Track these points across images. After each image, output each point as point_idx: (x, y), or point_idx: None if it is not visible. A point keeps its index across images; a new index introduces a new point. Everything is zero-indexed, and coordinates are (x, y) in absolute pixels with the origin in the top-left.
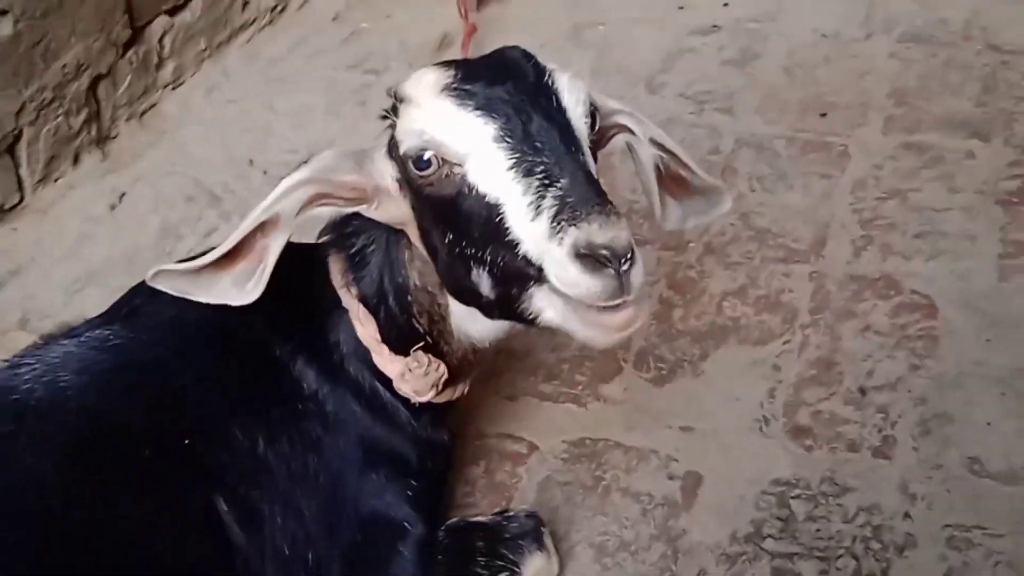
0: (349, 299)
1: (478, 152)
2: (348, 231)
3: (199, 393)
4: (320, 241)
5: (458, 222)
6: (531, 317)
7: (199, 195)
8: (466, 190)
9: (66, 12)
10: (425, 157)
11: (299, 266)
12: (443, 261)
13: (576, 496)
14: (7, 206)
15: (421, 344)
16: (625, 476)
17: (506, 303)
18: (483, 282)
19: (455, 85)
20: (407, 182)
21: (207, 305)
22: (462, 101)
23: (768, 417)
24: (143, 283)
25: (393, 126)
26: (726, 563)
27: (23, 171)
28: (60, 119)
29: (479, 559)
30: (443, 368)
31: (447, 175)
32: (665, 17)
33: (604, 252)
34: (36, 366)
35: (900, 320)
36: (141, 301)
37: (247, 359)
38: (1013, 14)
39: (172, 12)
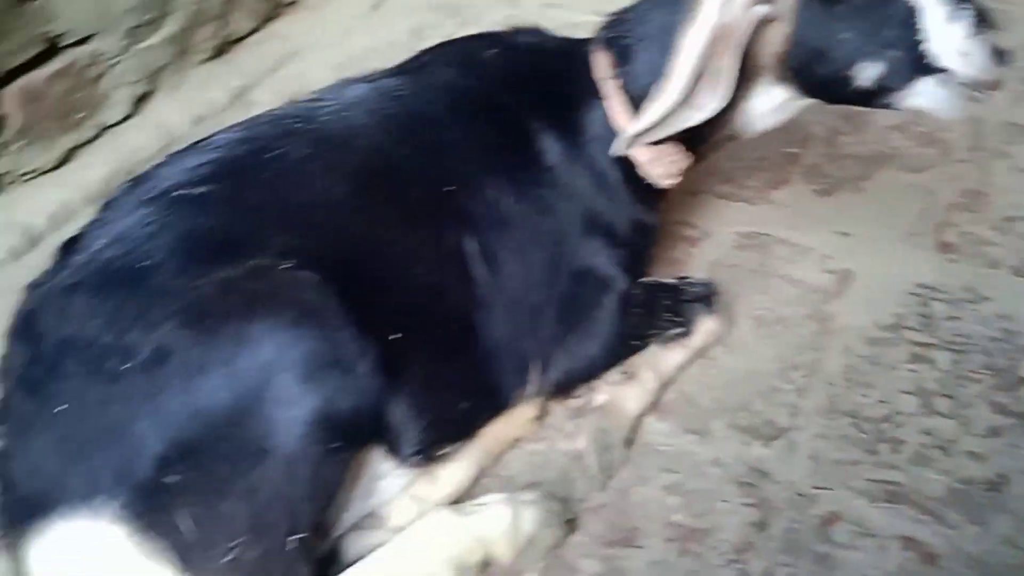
0: (612, 90)
1: None
2: (615, 33)
3: (463, 149)
4: (585, 37)
5: (869, 23)
6: (896, 101)
7: (443, 6)
8: None
9: None
10: None
11: (561, 58)
12: (828, 56)
13: (741, 277)
14: (286, 2)
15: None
16: (785, 266)
17: (878, 92)
18: (865, 73)
19: None
20: None
21: (480, 77)
22: None
23: (919, 232)
24: (434, 46)
25: None
26: (869, 344)
27: None
28: None
29: (663, 314)
30: (691, 157)
31: None
32: None
33: (1001, 51)
34: (335, 103)
35: None
36: (428, 59)
37: (505, 128)
38: None
39: None
